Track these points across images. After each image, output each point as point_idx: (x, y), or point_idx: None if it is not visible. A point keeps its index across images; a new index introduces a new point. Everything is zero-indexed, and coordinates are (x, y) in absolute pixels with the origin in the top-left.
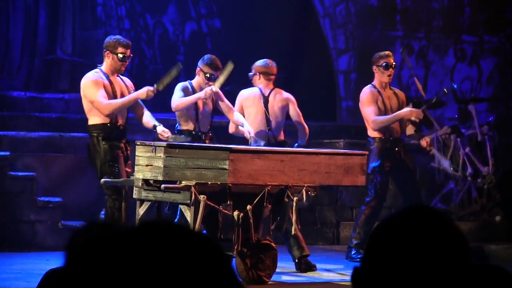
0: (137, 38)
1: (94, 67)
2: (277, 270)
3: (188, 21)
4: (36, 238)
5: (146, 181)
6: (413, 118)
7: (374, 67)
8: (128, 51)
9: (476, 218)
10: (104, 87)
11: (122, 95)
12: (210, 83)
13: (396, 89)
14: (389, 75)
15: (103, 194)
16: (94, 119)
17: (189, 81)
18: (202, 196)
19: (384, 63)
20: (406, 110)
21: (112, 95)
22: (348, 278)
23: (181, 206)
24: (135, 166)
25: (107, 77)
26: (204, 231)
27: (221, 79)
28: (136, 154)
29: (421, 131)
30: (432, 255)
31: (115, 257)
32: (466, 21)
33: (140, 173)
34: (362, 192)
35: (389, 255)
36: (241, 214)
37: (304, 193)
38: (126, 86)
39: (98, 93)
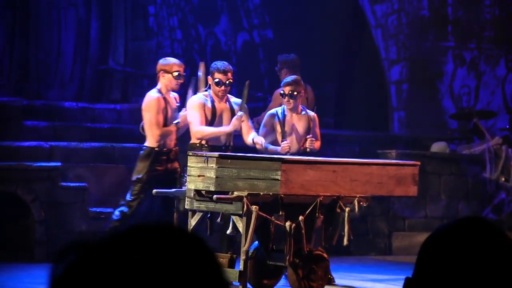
0: (189, 48)
1: (146, 77)
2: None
3: (240, 32)
4: None
5: (198, 192)
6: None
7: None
8: (225, 76)
9: None
10: (205, 109)
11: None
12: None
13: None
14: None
15: (153, 205)
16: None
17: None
18: (254, 206)
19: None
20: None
21: (212, 116)
22: None
23: (233, 217)
24: (187, 177)
25: (212, 101)
26: (257, 242)
27: (243, 102)
28: (188, 164)
29: (473, 141)
30: (485, 267)
31: (105, 262)
32: None
33: (192, 184)
34: (414, 203)
35: (442, 266)
36: (293, 225)
37: (356, 203)
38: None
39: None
